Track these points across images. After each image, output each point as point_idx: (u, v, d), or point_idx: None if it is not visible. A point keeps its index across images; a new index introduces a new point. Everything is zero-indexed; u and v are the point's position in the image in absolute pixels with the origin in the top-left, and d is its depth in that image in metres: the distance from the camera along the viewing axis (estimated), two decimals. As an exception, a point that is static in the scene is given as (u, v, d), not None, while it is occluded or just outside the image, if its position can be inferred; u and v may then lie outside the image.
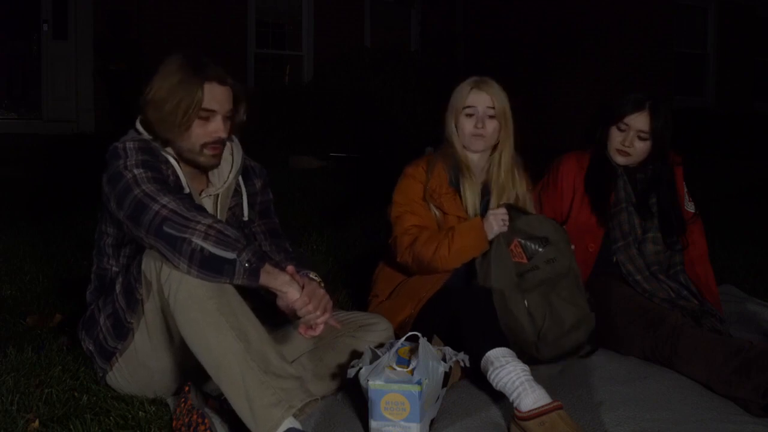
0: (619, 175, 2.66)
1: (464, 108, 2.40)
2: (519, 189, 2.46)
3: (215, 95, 1.95)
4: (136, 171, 1.83)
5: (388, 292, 2.48)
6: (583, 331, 2.30)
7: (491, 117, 2.39)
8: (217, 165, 2.05)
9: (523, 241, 2.30)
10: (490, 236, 2.29)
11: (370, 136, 7.72)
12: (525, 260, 2.28)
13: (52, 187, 5.42)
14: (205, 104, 1.94)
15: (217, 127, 1.97)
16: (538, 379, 1.97)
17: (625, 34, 10.30)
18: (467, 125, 2.40)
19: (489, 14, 10.25)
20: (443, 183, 2.41)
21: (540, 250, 2.29)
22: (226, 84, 1.98)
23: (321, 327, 1.86)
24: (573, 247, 2.40)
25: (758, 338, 2.63)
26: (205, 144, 1.97)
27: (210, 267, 1.71)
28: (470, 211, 2.41)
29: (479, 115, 2.38)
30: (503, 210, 2.30)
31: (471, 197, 2.41)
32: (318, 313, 1.82)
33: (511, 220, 2.32)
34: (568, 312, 2.25)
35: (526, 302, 2.24)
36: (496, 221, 2.28)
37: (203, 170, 2.05)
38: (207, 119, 1.96)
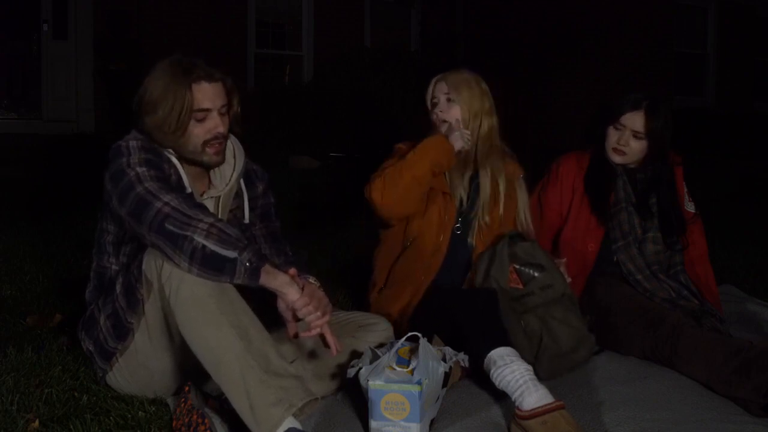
0: (618, 175, 2.66)
1: (431, 100, 2.55)
2: (499, 174, 2.51)
3: (206, 94, 1.95)
4: (139, 169, 1.84)
5: (383, 277, 2.50)
6: (582, 353, 2.30)
7: (450, 101, 2.50)
8: (221, 162, 2.05)
9: (518, 267, 2.32)
10: (457, 148, 2.39)
11: (370, 136, 7.71)
12: (521, 286, 2.31)
13: (52, 187, 5.42)
14: (198, 105, 1.94)
15: (215, 124, 1.97)
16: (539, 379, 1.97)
17: (625, 34, 10.31)
18: (433, 114, 2.54)
19: (489, 14, 10.24)
20: None
21: (536, 275, 2.31)
22: (215, 80, 1.98)
23: (318, 330, 1.84)
24: (569, 280, 2.42)
25: (758, 338, 2.62)
26: (206, 142, 1.97)
27: (211, 265, 1.71)
28: (454, 187, 2.48)
29: (440, 102, 2.52)
30: (468, 132, 2.42)
31: (455, 174, 2.48)
32: (318, 313, 1.82)
33: (509, 246, 2.35)
34: (564, 332, 2.26)
35: (522, 323, 2.25)
36: (462, 136, 2.40)
37: (208, 169, 2.05)
38: (203, 119, 1.96)
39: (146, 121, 1.94)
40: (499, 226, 2.49)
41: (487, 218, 2.49)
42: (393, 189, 2.34)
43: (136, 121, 1.97)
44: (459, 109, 2.49)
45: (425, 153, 2.36)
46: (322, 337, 1.87)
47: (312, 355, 2.09)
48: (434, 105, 2.53)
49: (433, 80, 2.56)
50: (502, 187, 2.50)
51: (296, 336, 1.90)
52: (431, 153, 2.36)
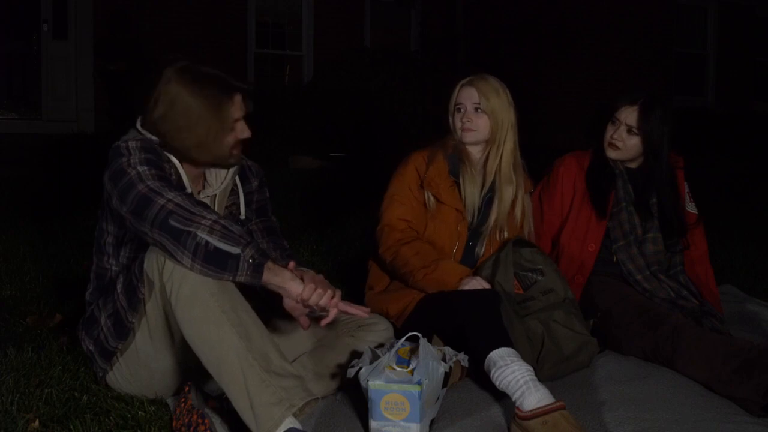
0: (618, 175, 2.66)
1: (455, 105, 2.48)
2: (519, 189, 2.48)
3: (238, 104, 1.98)
4: (140, 168, 1.83)
5: (383, 284, 2.50)
6: (584, 357, 2.30)
7: (479, 111, 2.43)
8: (241, 161, 2.10)
9: (519, 273, 2.33)
10: (462, 288, 2.27)
11: (371, 136, 7.71)
12: (521, 291, 2.32)
13: (52, 187, 5.42)
14: (233, 116, 1.97)
15: (243, 129, 2.01)
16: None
17: (625, 34, 10.32)
18: (456, 121, 2.47)
19: (489, 14, 10.25)
20: (443, 173, 2.44)
21: (539, 278, 2.33)
22: (242, 89, 2.00)
23: (335, 310, 1.85)
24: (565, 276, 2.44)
25: (758, 338, 2.63)
26: (233, 146, 2.01)
27: (214, 261, 1.71)
28: (468, 203, 2.43)
29: (466, 110, 2.44)
30: (488, 286, 2.27)
31: (470, 189, 2.43)
32: (330, 292, 1.83)
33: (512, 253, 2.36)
34: (566, 336, 2.26)
35: (524, 326, 2.25)
36: (477, 285, 2.27)
37: (228, 168, 2.09)
38: (234, 128, 1.99)
39: (180, 138, 1.93)
40: (510, 236, 2.48)
41: (506, 233, 2.48)
42: (391, 265, 2.38)
43: (163, 140, 1.94)
44: (487, 119, 2.43)
45: (436, 285, 2.30)
46: (343, 312, 1.89)
47: (312, 354, 2.10)
48: (458, 111, 2.46)
49: (459, 84, 2.48)
50: (519, 203, 2.49)
51: (309, 326, 1.92)
52: (440, 287, 2.29)
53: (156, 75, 1.95)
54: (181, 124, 1.92)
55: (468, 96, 2.44)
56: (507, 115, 2.44)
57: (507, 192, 2.46)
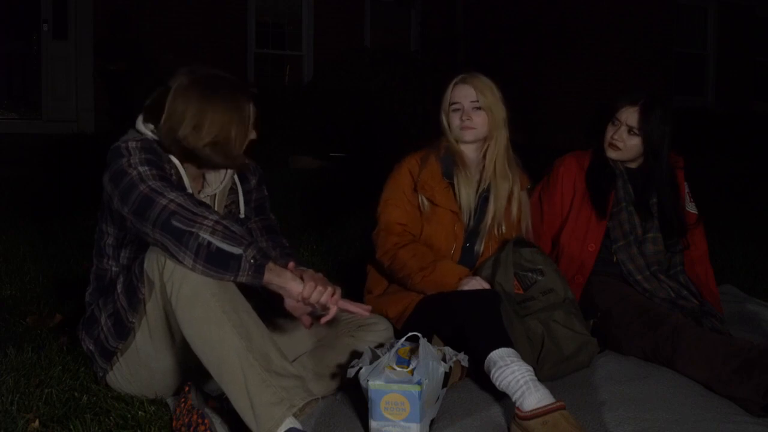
0: (618, 175, 2.66)
1: (451, 104, 2.46)
2: (515, 185, 2.48)
3: (252, 109, 2.00)
4: (140, 168, 1.83)
5: (381, 287, 2.50)
6: (584, 357, 2.30)
7: (477, 108, 2.42)
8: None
9: (519, 273, 2.33)
10: (462, 288, 2.28)
11: (371, 136, 7.71)
12: (521, 291, 2.32)
13: (52, 187, 5.42)
14: (252, 118, 2.00)
15: (253, 131, 2.02)
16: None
17: (625, 34, 10.31)
18: (455, 120, 2.45)
19: (489, 14, 10.26)
20: (436, 175, 2.43)
21: (539, 279, 2.33)
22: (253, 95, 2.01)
23: (335, 308, 1.86)
24: (565, 276, 2.44)
25: (758, 338, 2.63)
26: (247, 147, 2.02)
27: (216, 262, 1.71)
28: (464, 204, 2.42)
29: (464, 108, 2.43)
30: (488, 287, 2.28)
31: (465, 190, 2.42)
32: (330, 290, 1.83)
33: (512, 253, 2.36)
34: (566, 336, 2.26)
35: (523, 327, 2.25)
36: (477, 286, 2.27)
37: (238, 169, 2.11)
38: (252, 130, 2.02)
39: (207, 145, 1.93)
40: (509, 234, 2.48)
41: (504, 228, 2.47)
42: (389, 268, 2.38)
43: (187, 148, 1.93)
44: (485, 116, 2.42)
45: (435, 287, 2.30)
46: (344, 310, 1.89)
47: (312, 354, 2.10)
48: (455, 110, 2.45)
49: (452, 83, 2.47)
50: (515, 199, 2.48)
51: (311, 325, 1.92)
52: (439, 289, 2.29)
53: (167, 89, 1.92)
54: (215, 137, 1.92)
55: (464, 94, 2.43)
56: (501, 112, 2.45)
57: (503, 188, 2.46)
